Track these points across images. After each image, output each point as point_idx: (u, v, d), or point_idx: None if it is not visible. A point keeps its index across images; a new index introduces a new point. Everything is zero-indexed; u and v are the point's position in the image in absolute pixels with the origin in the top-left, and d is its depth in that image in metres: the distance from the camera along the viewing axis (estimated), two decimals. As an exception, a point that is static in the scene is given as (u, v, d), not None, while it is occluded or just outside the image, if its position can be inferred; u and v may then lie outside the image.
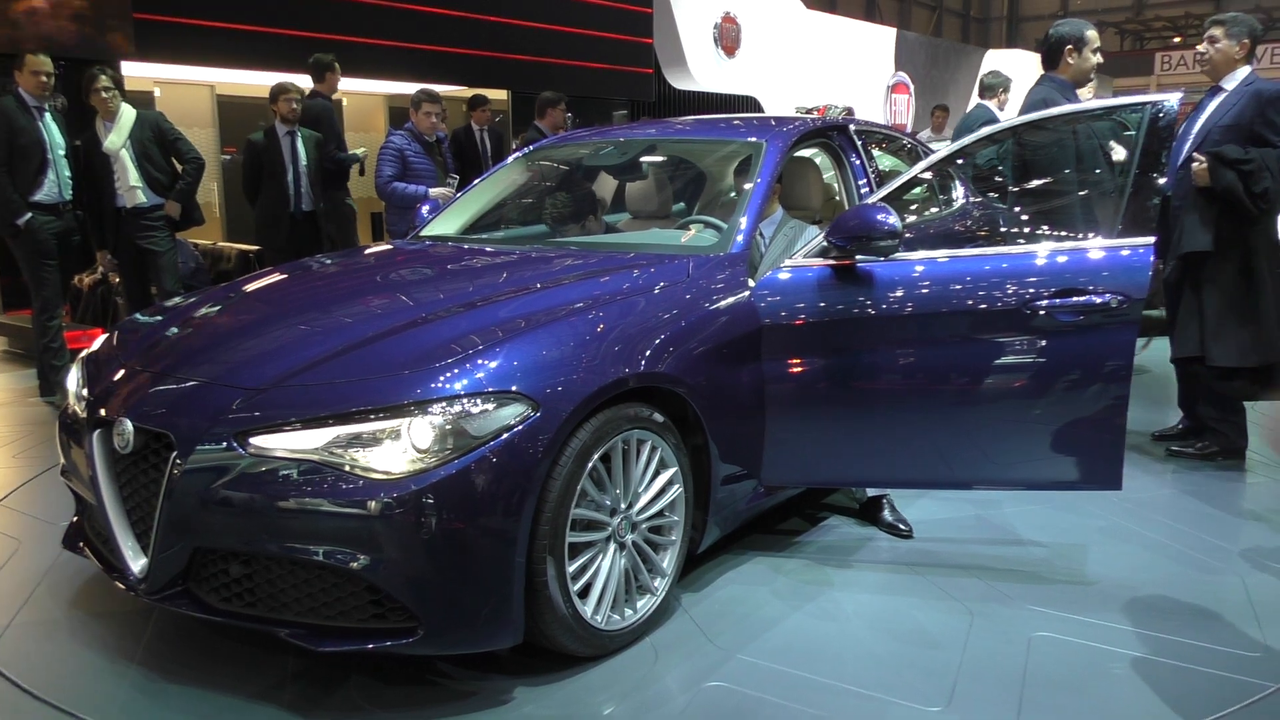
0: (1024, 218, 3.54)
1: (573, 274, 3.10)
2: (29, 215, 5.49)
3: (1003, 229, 3.52)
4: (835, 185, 4.06)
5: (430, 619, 2.31)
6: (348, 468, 2.29)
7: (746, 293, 3.13)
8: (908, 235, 3.20)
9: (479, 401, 2.35)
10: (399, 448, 2.30)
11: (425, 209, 4.29)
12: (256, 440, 2.35)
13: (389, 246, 3.97)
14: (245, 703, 2.45)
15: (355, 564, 2.27)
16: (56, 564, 3.25)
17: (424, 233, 4.04)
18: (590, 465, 2.53)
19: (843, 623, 2.88)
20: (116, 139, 5.72)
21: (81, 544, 2.86)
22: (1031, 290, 2.96)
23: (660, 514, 2.81)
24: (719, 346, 2.96)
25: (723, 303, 3.06)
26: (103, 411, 2.62)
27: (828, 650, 2.71)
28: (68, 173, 5.67)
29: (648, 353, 2.71)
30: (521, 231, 4.05)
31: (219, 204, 11.24)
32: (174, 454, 2.40)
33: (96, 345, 3.10)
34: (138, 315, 3.33)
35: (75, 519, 2.98)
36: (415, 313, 2.77)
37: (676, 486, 2.84)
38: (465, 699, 2.48)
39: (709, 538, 3.04)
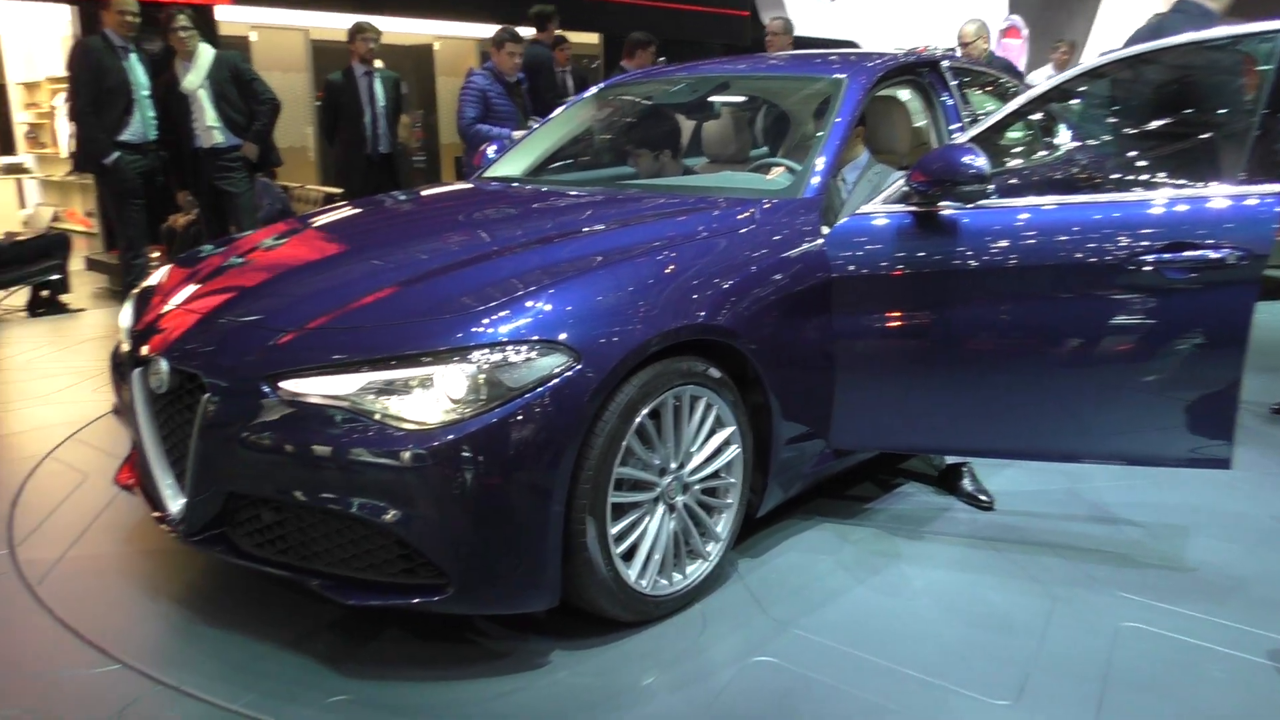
0: (1137, 162, 3.21)
1: (628, 218, 2.92)
2: (116, 154, 5.55)
3: (1112, 175, 3.20)
4: (926, 128, 3.77)
5: (460, 577, 2.19)
6: (378, 416, 2.17)
7: (819, 241, 2.90)
8: (1010, 180, 2.92)
9: (516, 350, 2.20)
10: (431, 397, 2.17)
11: (491, 150, 4.14)
12: (287, 384, 2.25)
13: (450, 188, 3.84)
14: (276, 650, 2.39)
15: (384, 517, 2.16)
16: (115, 500, 3.25)
17: (488, 174, 3.89)
18: (637, 422, 2.36)
19: (909, 600, 2.67)
20: (194, 79, 5.73)
21: (132, 481, 2.84)
22: (1144, 243, 2.66)
23: (715, 475, 2.64)
24: (785, 298, 2.75)
25: (791, 251, 2.83)
26: (144, 349, 2.56)
27: (890, 629, 2.52)
28: (152, 113, 5.72)
29: (704, 303, 2.52)
30: (588, 174, 3.88)
31: (312, 148, 11.34)
32: (205, 395, 2.32)
33: (151, 280, 3.06)
34: (193, 251, 3.27)
35: (128, 457, 2.96)
36: (460, 255, 2.63)
37: (734, 447, 2.66)
38: (499, 659, 2.37)
39: (769, 501, 2.86)
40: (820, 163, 3.09)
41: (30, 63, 11.14)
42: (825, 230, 2.93)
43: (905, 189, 2.89)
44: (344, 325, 2.34)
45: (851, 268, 2.87)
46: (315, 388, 2.23)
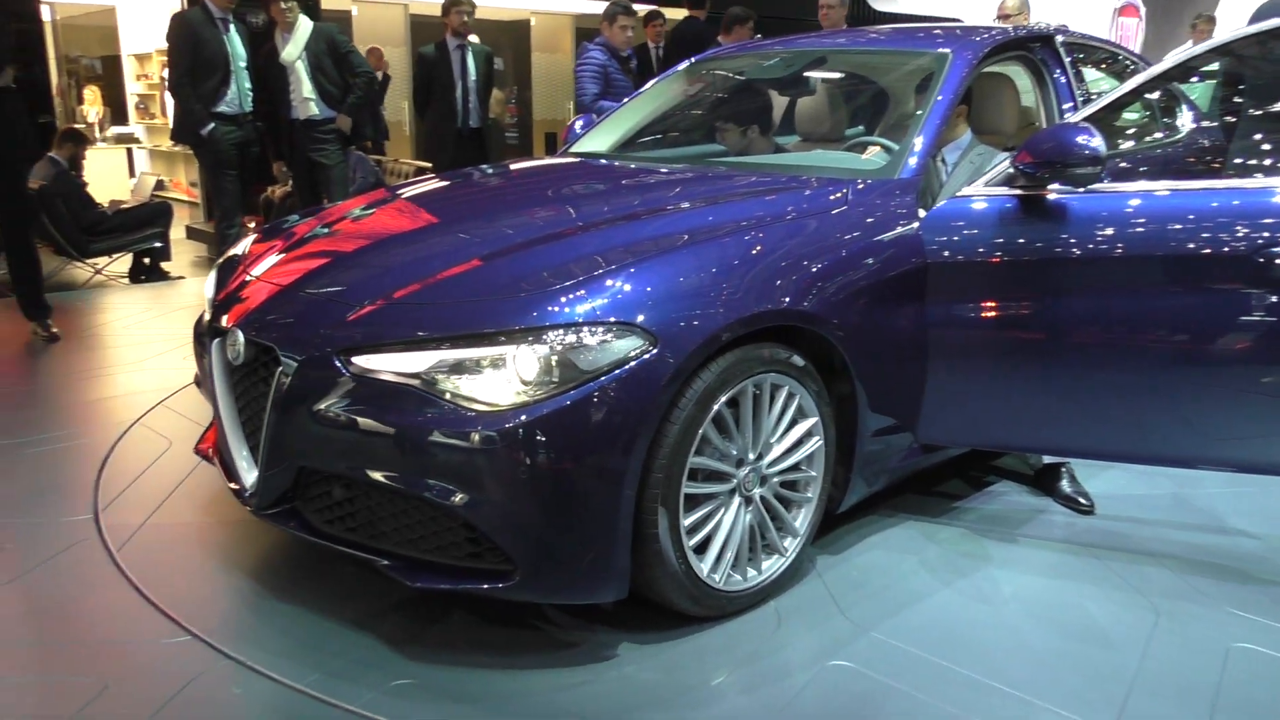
0: (1261, 146, 2.96)
1: (714, 197, 2.80)
2: (212, 125, 5.64)
3: (1234, 160, 2.96)
4: (1036, 107, 3.56)
5: (526, 564, 2.13)
6: (449, 396, 2.12)
7: (915, 224, 2.75)
8: (1121, 164, 2.72)
9: (591, 332, 2.12)
10: (503, 377, 2.10)
11: (579, 124, 4.07)
12: (359, 360, 2.21)
13: (533, 162, 3.78)
14: (343, 628, 2.37)
15: (452, 499, 2.11)
16: (197, 469, 3.29)
17: (574, 149, 3.82)
18: (714, 410, 2.26)
19: (998, 607, 2.53)
20: (293, 50, 5.78)
21: (211, 451, 2.85)
22: (1265, 234, 2.45)
23: (795, 468, 2.53)
24: (876, 284, 2.62)
25: (884, 235, 2.69)
26: (223, 320, 2.56)
27: (976, 638, 2.38)
28: (248, 84, 5.79)
29: (790, 287, 2.40)
30: (676, 151, 3.77)
31: (408, 122, 11.45)
32: (280, 368, 2.30)
33: (236, 250, 3.07)
34: (278, 222, 3.28)
35: (209, 426, 2.98)
36: (538, 231, 2.56)
37: (816, 439, 2.54)
38: (565, 650, 2.31)
39: (852, 496, 2.73)
40: (919, 142, 2.93)
41: (143, 34, 11.50)
42: (922, 213, 2.77)
43: (1010, 171, 2.72)
44: (418, 301, 2.29)
45: (948, 253, 2.71)
46: (387, 364, 2.18)
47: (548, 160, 3.71)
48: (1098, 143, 2.54)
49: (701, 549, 2.35)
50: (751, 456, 2.41)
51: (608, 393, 2.09)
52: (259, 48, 5.95)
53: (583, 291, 2.18)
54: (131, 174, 11.22)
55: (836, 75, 3.85)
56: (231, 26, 5.72)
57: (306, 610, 2.45)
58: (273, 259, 2.75)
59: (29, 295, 5.07)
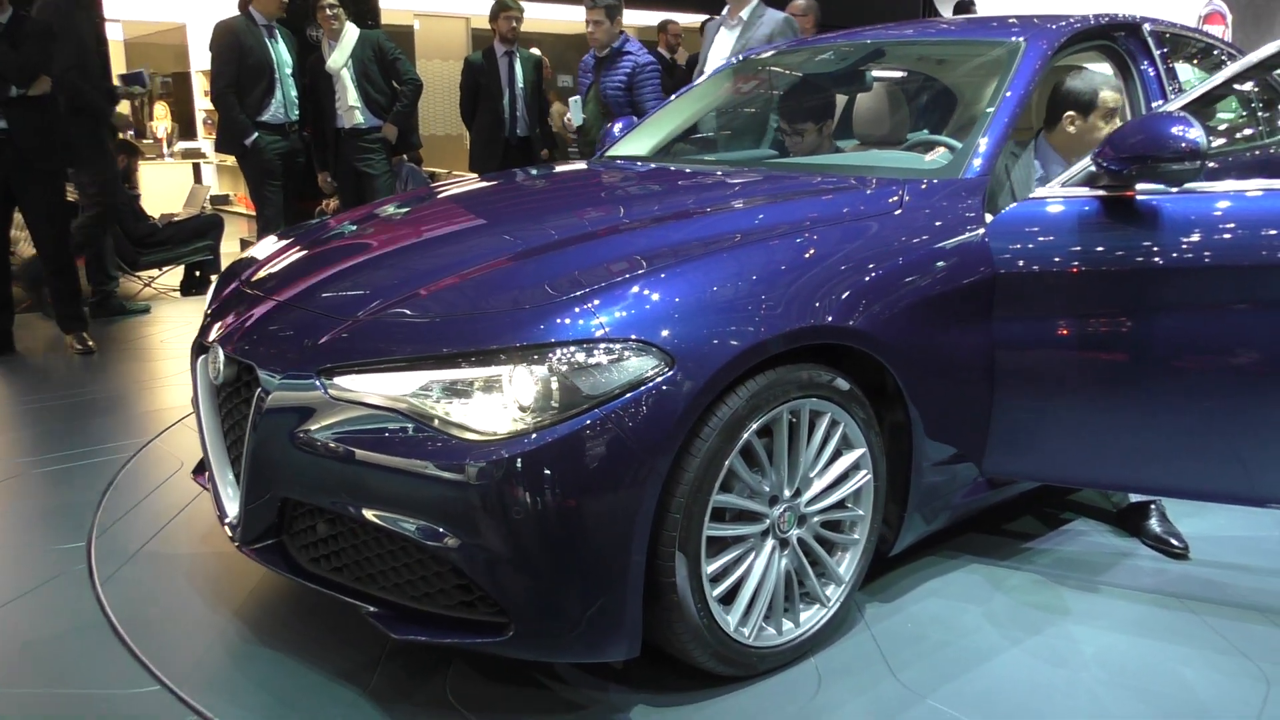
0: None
1: (755, 198, 2.52)
2: (255, 135, 5.53)
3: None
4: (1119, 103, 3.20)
5: (523, 617, 1.86)
6: (438, 423, 1.86)
7: (980, 230, 2.42)
8: (1212, 163, 2.38)
9: (596, 351, 1.84)
10: (498, 402, 1.84)
11: (617, 127, 3.81)
12: (340, 380, 1.96)
13: (561, 166, 3.53)
14: (327, 680, 2.12)
15: (437, 540, 1.85)
16: (201, 495, 3.09)
17: (611, 152, 3.56)
18: (743, 441, 1.97)
19: (1077, 671, 2.18)
20: (339, 58, 5.65)
21: (207, 474, 2.65)
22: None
23: (839, 505, 2.22)
24: (937, 297, 2.30)
25: (945, 242, 2.37)
26: (209, 336, 2.35)
27: (1052, 707, 2.04)
28: (294, 93, 5.67)
29: (837, 301, 2.10)
30: (718, 154, 3.49)
31: (467, 134, 11.32)
32: (259, 389, 2.07)
33: (242, 257, 2.87)
34: (293, 228, 3.07)
35: (209, 448, 2.78)
36: (550, 238, 2.30)
37: (863, 472, 2.23)
38: (573, 711, 2.03)
39: (906, 537, 2.41)
40: (985, 140, 2.60)
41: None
42: (989, 218, 2.45)
43: (1091, 169, 2.39)
44: (409, 315, 2.04)
45: (1020, 262, 2.39)
46: (370, 385, 1.94)
47: (576, 164, 3.46)
48: (1196, 134, 2.20)
49: (729, 599, 2.06)
50: (787, 493, 2.11)
51: (617, 420, 1.81)
52: (305, 58, 5.85)
53: (591, 304, 1.91)
54: (200, 188, 11.30)
55: (897, 70, 3.53)
56: (277, 34, 5.61)
57: (291, 658, 2.21)
58: (270, 269, 2.53)
59: (65, 307, 4.99)
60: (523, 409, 1.82)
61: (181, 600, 2.47)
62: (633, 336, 1.85)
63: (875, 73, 3.51)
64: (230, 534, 2.25)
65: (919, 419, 2.28)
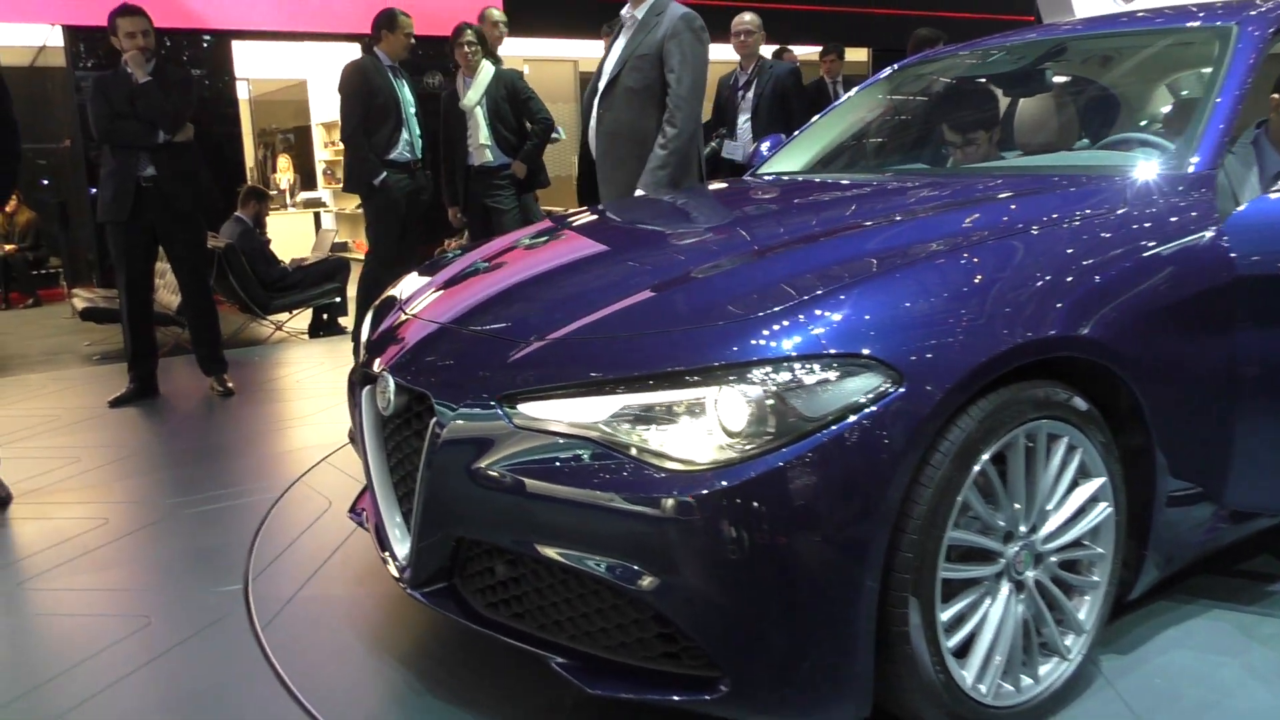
0: None
1: (952, 203, 2.28)
2: (384, 174, 5.51)
3: None
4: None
5: (736, 670, 1.64)
6: (634, 451, 1.67)
7: (1212, 230, 2.14)
8: None
9: (816, 368, 1.63)
10: (702, 427, 1.64)
11: (765, 146, 3.62)
12: (525, 408, 1.80)
13: (721, 184, 3.35)
14: (508, 738, 1.94)
15: (638, 583, 1.66)
16: (356, 533, 2.97)
17: (763, 170, 3.37)
18: (977, 468, 1.73)
19: (1377, 738, 1.85)
20: (473, 95, 5.64)
21: (366, 515, 2.52)
22: None
23: (1077, 543, 1.95)
24: (1172, 305, 2.03)
25: (1177, 243, 2.10)
26: (375, 364, 2.22)
27: (1359, 785, 1.72)
28: (419, 131, 5.65)
29: (1063, 308, 1.85)
30: (878, 169, 3.26)
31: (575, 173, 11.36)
32: (434, 419, 1.92)
33: (393, 290, 2.76)
34: (435, 259, 2.96)
35: (365, 487, 2.66)
36: (736, 251, 2.11)
37: (1104, 505, 1.95)
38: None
39: (1145, 579, 2.12)
40: (1211, 128, 2.32)
41: (331, 105, 11.92)
42: (1224, 215, 2.16)
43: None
44: (597, 335, 1.86)
45: (1267, 266, 2.09)
46: (558, 412, 1.77)
47: (736, 181, 3.27)
48: None
49: (962, 652, 1.80)
50: (1023, 529, 1.85)
51: (841, 446, 1.59)
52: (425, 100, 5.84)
53: (801, 316, 1.70)
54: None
55: (1078, 69, 3.25)
56: (401, 75, 5.62)
57: (459, 707, 2.04)
58: (431, 295, 2.40)
59: (207, 349, 5.03)
60: (732, 435, 1.62)
61: (345, 647, 2.33)
62: (864, 351, 1.63)
63: (1054, 73, 3.23)
64: (397, 576, 2.10)
65: (1160, 443, 2.00)
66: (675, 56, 3.79)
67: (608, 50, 4.19)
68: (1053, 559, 1.91)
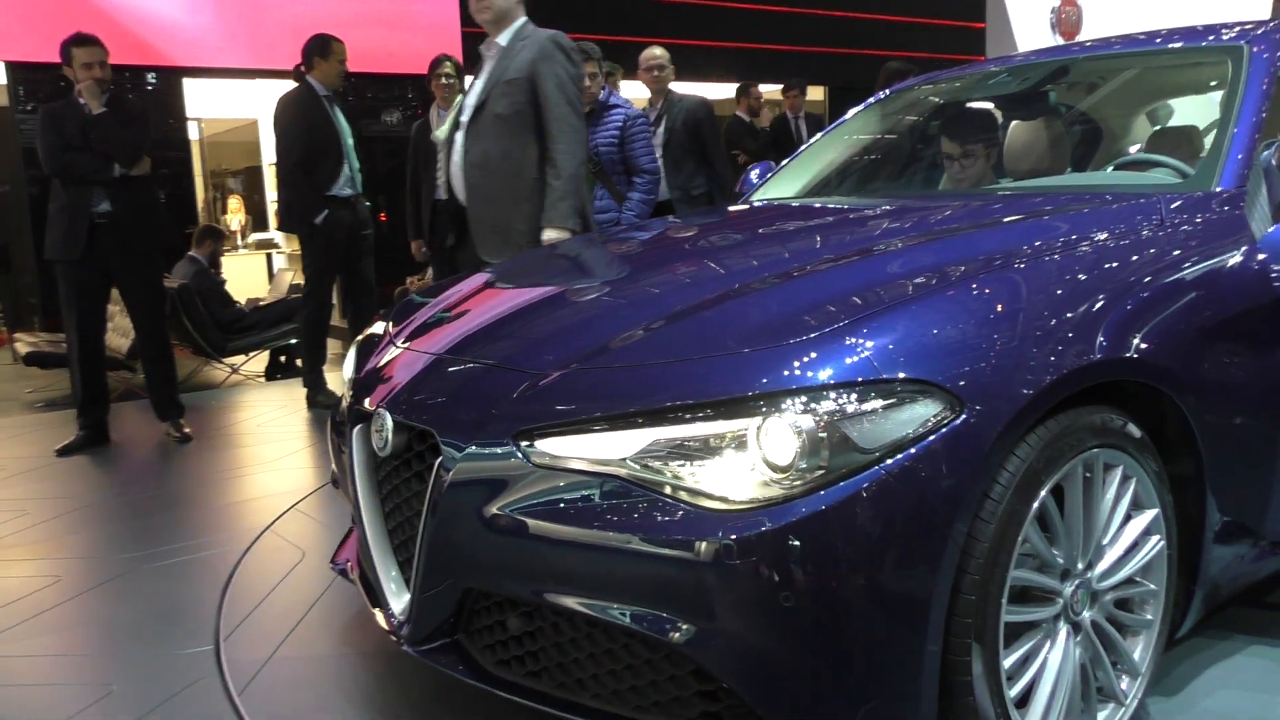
0: None
1: (990, 219, 2.18)
2: (325, 212, 5.25)
3: None
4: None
5: (788, 731, 1.49)
6: (668, 489, 1.52)
7: (1248, 249, 2.06)
8: None
9: (867, 394, 1.50)
10: (744, 462, 1.50)
11: (754, 173, 3.52)
12: (543, 444, 1.64)
13: (734, 208, 3.23)
14: (524, 811, 1.75)
15: (674, 634, 1.50)
16: (335, 585, 2.77)
17: (755, 198, 3.26)
18: (1039, 501, 1.60)
19: None
20: (446, 129, 5.46)
21: (350, 565, 2.32)
22: None
23: (1130, 580, 1.83)
24: (1216, 325, 1.94)
25: (1214, 262, 2.01)
26: (366, 402, 2.04)
27: None
28: (358, 165, 5.43)
29: (1113, 328, 1.74)
30: (874, 195, 3.17)
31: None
32: (439, 459, 1.75)
33: (373, 329, 2.59)
34: (409, 299, 2.78)
35: (347, 534, 2.47)
36: (766, 271, 1.97)
37: (1156, 538, 1.84)
38: None
39: (1192, 615, 2.00)
40: (1234, 145, 2.26)
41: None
42: (1257, 233, 2.09)
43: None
44: (619, 363, 1.72)
45: (1304, 285, 2.02)
46: (580, 449, 1.61)
47: (741, 207, 3.15)
48: None
49: (1022, 702, 1.66)
50: (1080, 565, 1.73)
51: (902, 479, 1.46)
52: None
53: (846, 339, 1.57)
54: (271, 278, 11.28)
55: (1079, 94, 3.19)
56: (335, 105, 5.36)
57: (473, 780, 1.85)
58: (425, 326, 2.24)
59: (163, 393, 4.77)
60: (778, 469, 1.48)
61: (333, 711, 2.13)
62: (914, 376, 1.51)
63: (1067, 95, 3.17)
64: (392, 632, 1.92)
65: (1212, 472, 1.90)
66: (549, 78, 3.46)
67: (469, 87, 3.85)
68: (1108, 597, 1.79)
